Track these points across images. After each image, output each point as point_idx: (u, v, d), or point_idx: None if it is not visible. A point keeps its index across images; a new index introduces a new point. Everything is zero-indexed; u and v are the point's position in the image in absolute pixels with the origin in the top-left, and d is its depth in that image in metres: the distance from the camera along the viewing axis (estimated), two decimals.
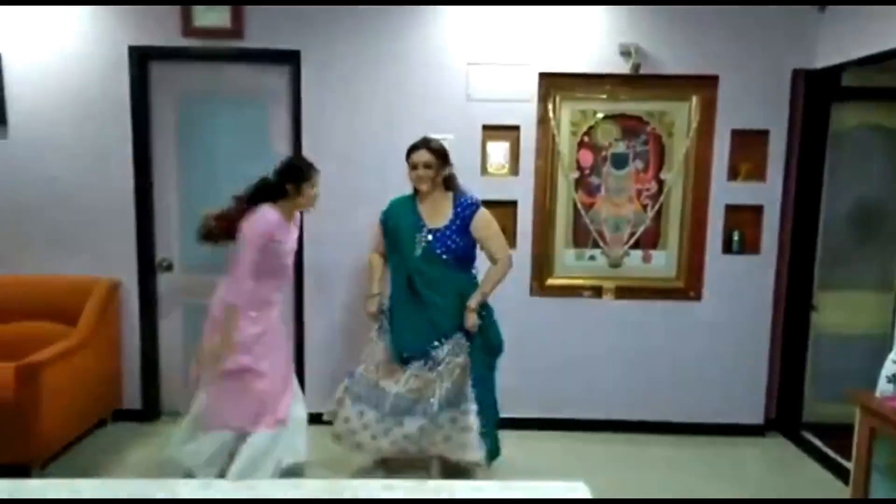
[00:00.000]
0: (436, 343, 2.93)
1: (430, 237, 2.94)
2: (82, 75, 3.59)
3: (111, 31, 3.55)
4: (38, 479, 1.59)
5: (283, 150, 3.71)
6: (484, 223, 2.98)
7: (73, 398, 3.29)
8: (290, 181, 2.85)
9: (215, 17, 3.54)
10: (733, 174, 3.70)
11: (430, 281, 2.94)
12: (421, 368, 2.94)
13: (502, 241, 3.05)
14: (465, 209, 2.98)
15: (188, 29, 3.54)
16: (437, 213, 2.99)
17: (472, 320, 2.92)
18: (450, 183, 3.05)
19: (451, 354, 2.92)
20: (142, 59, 3.60)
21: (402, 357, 2.97)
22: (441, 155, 2.98)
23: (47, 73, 3.58)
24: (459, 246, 2.96)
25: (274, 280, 2.89)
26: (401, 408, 2.93)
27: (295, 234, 2.98)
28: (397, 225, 3.03)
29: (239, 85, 3.71)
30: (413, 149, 2.99)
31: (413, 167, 2.97)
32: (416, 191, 3.03)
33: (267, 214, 2.78)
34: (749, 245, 3.74)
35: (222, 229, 2.89)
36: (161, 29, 3.55)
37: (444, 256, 2.94)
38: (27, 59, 3.56)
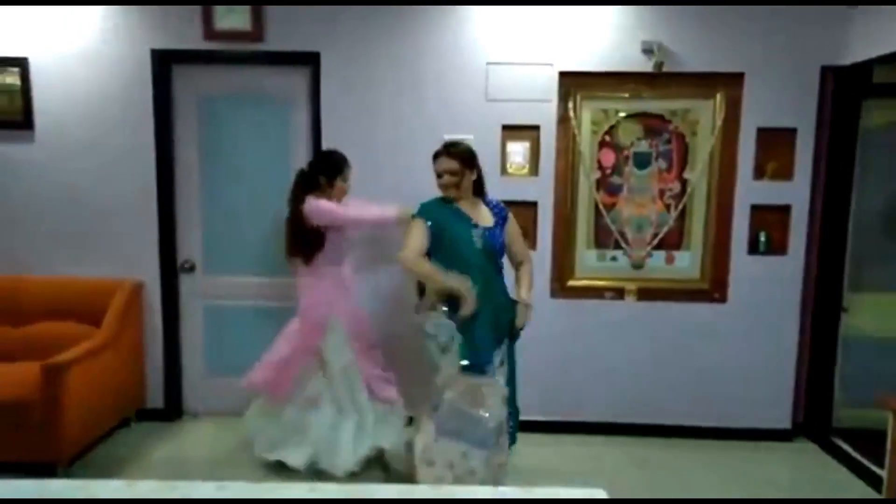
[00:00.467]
0: (497, 348, 2.85)
1: (486, 234, 2.86)
2: (106, 79, 3.63)
3: (134, 34, 3.59)
4: (62, 480, 1.61)
5: (302, 152, 3.73)
6: (515, 224, 3.03)
7: (97, 398, 3.33)
8: (323, 174, 3.06)
9: (236, 19, 3.56)
10: (759, 173, 3.62)
11: (488, 278, 2.83)
12: (487, 380, 2.71)
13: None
14: (500, 210, 2.97)
15: (209, 32, 3.57)
16: (480, 215, 2.91)
17: (530, 315, 2.95)
18: (479, 187, 2.96)
19: (501, 357, 2.88)
20: (164, 62, 3.64)
21: (475, 368, 2.72)
22: (464, 159, 2.86)
23: (72, 77, 3.63)
24: (504, 246, 2.95)
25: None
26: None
27: None
28: (447, 223, 2.82)
29: (259, 87, 3.73)
30: (435, 156, 2.92)
31: (438, 175, 2.89)
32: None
33: (318, 202, 3.09)
34: (776, 245, 3.66)
35: (304, 238, 3.14)
36: (183, 32, 3.58)
37: (501, 252, 2.93)
38: (53, 63, 3.62)
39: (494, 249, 2.87)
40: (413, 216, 2.91)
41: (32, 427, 3.04)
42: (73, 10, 3.57)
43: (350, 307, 3.29)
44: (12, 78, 3.63)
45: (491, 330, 2.80)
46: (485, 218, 2.92)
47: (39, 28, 3.59)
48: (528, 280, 3.02)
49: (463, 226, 2.84)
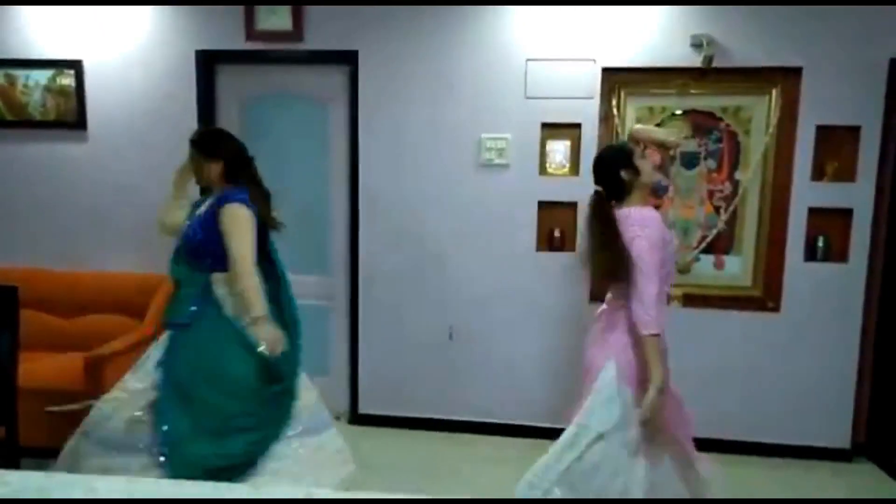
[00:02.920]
0: None
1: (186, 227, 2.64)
2: (154, 80, 3.74)
3: (180, 36, 3.68)
4: (60, 475, 1.62)
5: (342, 150, 3.73)
6: (227, 217, 2.53)
7: None
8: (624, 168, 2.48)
9: (277, 20, 3.60)
10: (818, 174, 3.39)
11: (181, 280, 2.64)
12: None
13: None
14: (220, 200, 2.59)
15: (251, 32, 3.62)
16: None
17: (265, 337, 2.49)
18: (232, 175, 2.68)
19: None
20: (208, 63, 3.72)
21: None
22: (201, 146, 2.66)
23: (123, 78, 3.75)
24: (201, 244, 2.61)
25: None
26: None
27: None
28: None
29: (299, 86, 3.75)
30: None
31: None
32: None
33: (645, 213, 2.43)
34: (836, 252, 3.42)
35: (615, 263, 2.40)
36: (226, 33, 3.64)
37: (198, 251, 2.59)
38: (105, 65, 3.75)
39: (190, 247, 2.56)
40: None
41: (75, 416, 3.14)
42: (124, 14, 3.69)
43: None
44: (68, 79, 3.78)
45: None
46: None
47: (93, 32, 3.73)
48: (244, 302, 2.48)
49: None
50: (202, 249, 2.56)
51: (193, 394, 2.47)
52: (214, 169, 2.64)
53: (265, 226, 2.71)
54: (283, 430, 2.57)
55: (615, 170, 2.47)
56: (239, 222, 2.53)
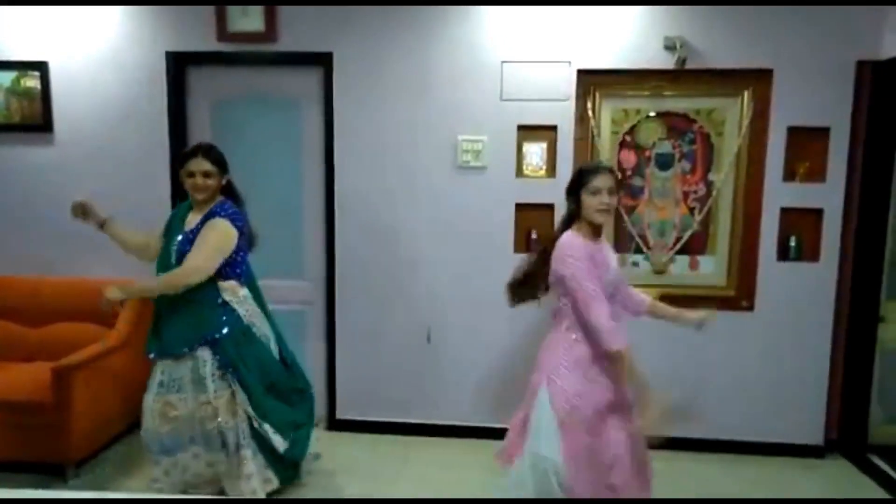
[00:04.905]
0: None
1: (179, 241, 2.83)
2: (123, 82, 3.65)
3: (150, 37, 3.60)
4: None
5: (316, 152, 3.69)
6: (208, 229, 2.75)
7: (108, 399, 3.34)
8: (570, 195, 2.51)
9: (249, 21, 3.54)
10: (790, 175, 3.44)
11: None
12: None
13: None
14: (210, 215, 2.79)
15: (223, 33, 3.56)
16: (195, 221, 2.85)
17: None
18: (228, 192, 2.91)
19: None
20: (179, 64, 3.64)
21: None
22: (220, 162, 2.83)
23: (90, 80, 3.66)
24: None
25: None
26: None
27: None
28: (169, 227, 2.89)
29: (273, 88, 3.70)
30: (191, 155, 2.76)
31: (190, 175, 2.75)
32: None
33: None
34: (807, 251, 3.47)
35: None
36: (197, 34, 3.58)
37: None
38: (72, 67, 3.66)
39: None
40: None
41: (43, 427, 3.06)
42: (91, 14, 3.60)
43: None
44: (33, 81, 3.68)
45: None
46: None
47: (59, 33, 3.64)
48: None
49: (174, 234, 2.78)
50: None
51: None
52: (218, 182, 2.78)
53: (250, 242, 2.92)
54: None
55: (567, 192, 2.51)
56: (221, 238, 2.71)
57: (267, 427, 2.75)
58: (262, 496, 2.79)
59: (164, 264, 2.76)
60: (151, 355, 2.76)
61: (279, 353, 2.96)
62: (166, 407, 2.72)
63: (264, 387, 2.79)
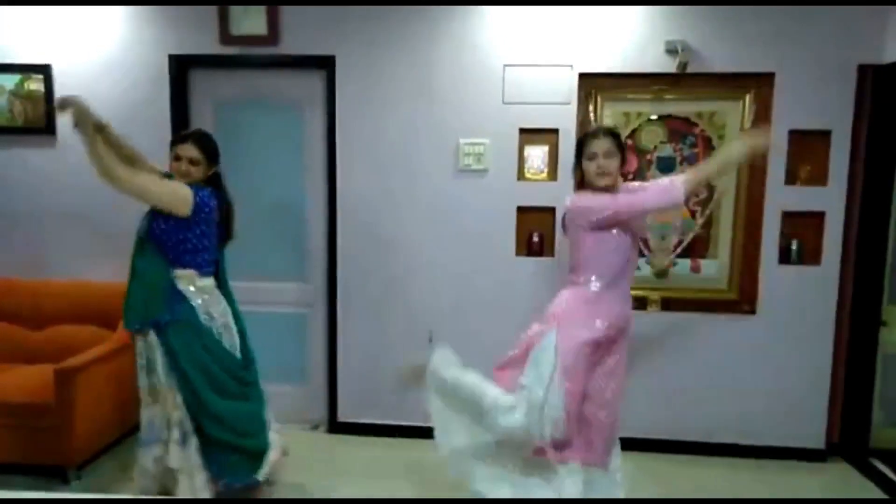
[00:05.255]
0: None
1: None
2: (126, 85, 3.66)
3: (153, 40, 3.62)
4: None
5: (318, 155, 3.70)
6: None
7: (111, 402, 3.33)
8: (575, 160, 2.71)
9: (252, 24, 3.55)
10: (791, 178, 3.44)
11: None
12: None
13: None
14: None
15: (226, 37, 3.56)
16: None
17: None
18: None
19: None
20: (181, 67, 3.65)
21: None
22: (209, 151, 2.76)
23: (93, 83, 3.66)
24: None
25: None
26: None
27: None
28: None
29: (275, 91, 3.71)
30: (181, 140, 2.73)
31: (177, 158, 2.71)
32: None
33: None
34: (809, 255, 3.47)
35: None
36: (200, 37, 3.59)
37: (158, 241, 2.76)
38: (75, 70, 3.67)
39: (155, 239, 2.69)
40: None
41: (44, 430, 3.06)
42: (95, 18, 3.62)
43: None
44: (36, 84, 3.69)
45: None
46: None
47: (62, 36, 3.65)
48: None
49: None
50: (163, 243, 2.68)
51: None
52: (205, 172, 2.75)
53: (224, 230, 2.87)
54: None
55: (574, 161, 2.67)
56: (176, 188, 2.66)
57: (207, 422, 2.66)
58: (206, 495, 2.69)
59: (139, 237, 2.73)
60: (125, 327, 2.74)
61: (241, 350, 2.87)
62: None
63: (210, 384, 2.69)
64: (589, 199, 2.57)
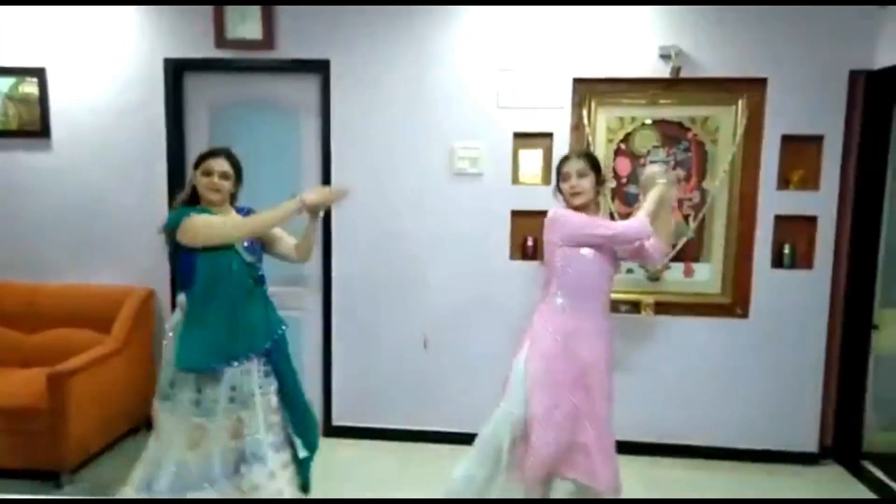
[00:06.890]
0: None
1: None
2: (120, 88, 3.67)
3: (147, 44, 3.62)
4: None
5: (313, 159, 3.70)
6: None
7: (105, 405, 3.34)
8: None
9: (247, 28, 3.56)
10: (784, 183, 3.46)
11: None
12: None
13: None
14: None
15: (221, 40, 3.57)
16: None
17: None
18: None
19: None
20: (177, 71, 3.66)
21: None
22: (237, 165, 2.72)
23: (88, 86, 3.68)
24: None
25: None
26: None
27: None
28: None
29: (270, 95, 3.71)
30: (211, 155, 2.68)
31: (208, 174, 2.64)
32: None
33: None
34: (801, 259, 3.49)
35: None
36: (195, 41, 3.59)
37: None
38: (70, 73, 3.67)
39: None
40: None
41: (38, 434, 3.05)
42: (89, 21, 3.62)
43: None
44: (31, 87, 3.70)
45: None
46: None
47: (57, 39, 3.65)
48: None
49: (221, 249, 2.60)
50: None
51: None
52: (233, 187, 2.72)
53: None
54: None
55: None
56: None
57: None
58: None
59: (239, 282, 2.64)
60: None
61: None
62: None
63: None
64: (575, 216, 2.60)
